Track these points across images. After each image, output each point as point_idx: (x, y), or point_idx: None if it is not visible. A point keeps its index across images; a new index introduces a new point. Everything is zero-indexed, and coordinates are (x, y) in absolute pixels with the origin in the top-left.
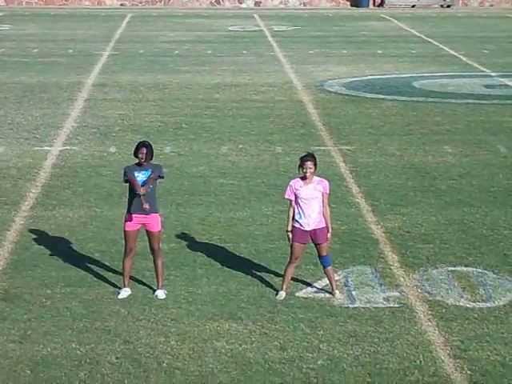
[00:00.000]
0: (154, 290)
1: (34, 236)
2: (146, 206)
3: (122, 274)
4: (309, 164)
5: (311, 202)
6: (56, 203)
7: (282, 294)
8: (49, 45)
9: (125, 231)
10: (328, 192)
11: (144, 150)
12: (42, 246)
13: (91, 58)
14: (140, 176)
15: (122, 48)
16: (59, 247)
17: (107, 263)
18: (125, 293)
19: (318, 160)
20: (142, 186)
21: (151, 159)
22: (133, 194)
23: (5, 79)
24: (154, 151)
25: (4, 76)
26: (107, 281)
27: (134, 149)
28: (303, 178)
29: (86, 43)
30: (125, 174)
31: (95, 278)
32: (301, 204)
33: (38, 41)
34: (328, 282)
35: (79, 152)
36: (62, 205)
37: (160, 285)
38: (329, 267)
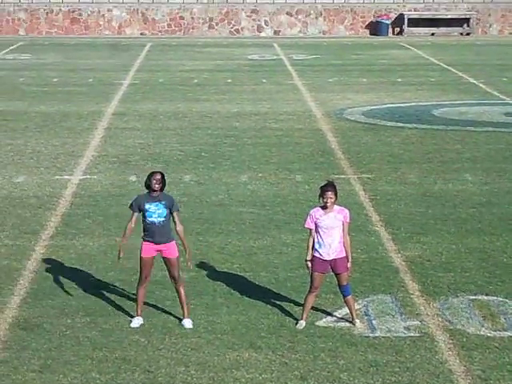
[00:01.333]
0: (180, 319)
1: (54, 265)
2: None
3: (135, 302)
4: (329, 194)
5: (331, 231)
6: (76, 232)
7: (302, 324)
8: (69, 74)
9: (140, 258)
10: (348, 221)
11: (158, 177)
12: (61, 275)
13: (111, 87)
14: (152, 208)
15: (142, 77)
16: (79, 276)
17: (127, 292)
18: (137, 321)
19: (337, 188)
20: (155, 221)
21: (163, 189)
22: (147, 225)
23: (25, 108)
24: (174, 180)
25: (24, 105)
26: (127, 310)
27: (146, 178)
28: (323, 208)
29: (106, 72)
30: (131, 205)
31: (115, 308)
32: (321, 233)
33: (57, 70)
34: (348, 311)
35: (99, 181)
36: (81, 234)
37: (186, 314)
38: (349, 296)
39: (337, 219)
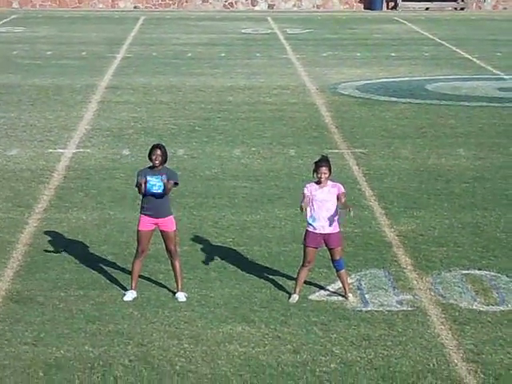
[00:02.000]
0: (174, 293)
1: (48, 238)
2: None
3: (130, 276)
4: (323, 169)
5: (325, 204)
6: (69, 206)
7: (295, 297)
8: (62, 47)
9: (138, 231)
10: (343, 191)
11: (158, 152)
12: (55, 249)
13: (104, 61)
14: (153, 180)
15: (136, 50)
16: (72, 249)
17: (120, 266)
18: (131, 295)
19: (331, 163)
20: (155, 191)
21: (165, 163)
22: (145, 197)
23: (18, 81)
24: (168, 154)
25: (17, 78)
26: (120, 283)
27: (148, 151)
28: (318, 183)
29: (100, 46)
30: (137, 179)
31: (108, 281)
32: (315, 207)
33: (51, 43)
34: (341, 285)
35: (92, 154)
36: (75, 207)
37: (180, 287)
38: (342, 270)
39: (330, 193)
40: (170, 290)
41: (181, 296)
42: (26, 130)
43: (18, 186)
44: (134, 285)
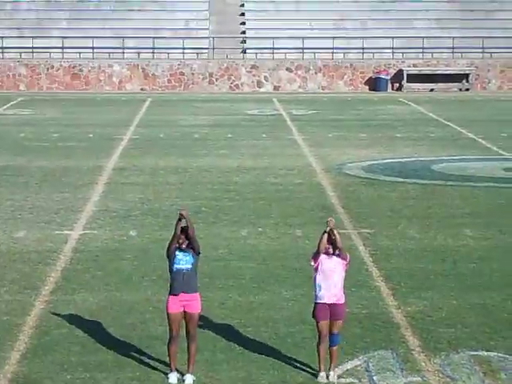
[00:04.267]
0: (182, 374)
1: (54, 320)
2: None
3: (168, 357)
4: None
5: (333, 274)
6: (76, 287)
7: (323, 376)
8: (69, 129)
9: (168, 314)
10: (349, 260)
11: (182, 237)
12: (61, 331)
13: (111, 143)
14: (180, 255)
15: (142, 132)
16: (79, 332)
17: (127, 348)
18: (174, 376)
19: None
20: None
21: (191, 241)
22: (173, 273)
23: (25, 163)
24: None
25: (24, 160)
26: (127, 366)
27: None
28: (326, 253)
29: (107, 128)
30: (167, 252)
31: (115, 363)
32: (322, 276)
33: (58, 125)
34: (330, 361)
35: (99, 236)
36: (82, 289)
37: (191, 370)
38: (335, 347)
39: (338, 263)
40: (164, 373)
41: (189, 379)
42: (33, 211)
43: (24, 268)
44: (173, 366)
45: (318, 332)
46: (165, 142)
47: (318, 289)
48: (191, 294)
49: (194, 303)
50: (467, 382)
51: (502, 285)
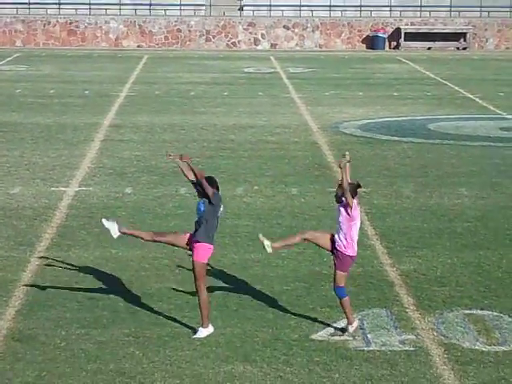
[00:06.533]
0: (176, 332)
1: (49, 277)
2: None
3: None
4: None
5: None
6: (71, 244)
7: (354, 325)
8: (65, 86)
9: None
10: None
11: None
12: (56, 287)
13: (108, 99)
14: (197, 204)
15: (139, 89)
16: (74, 288)
17: (122, 304)
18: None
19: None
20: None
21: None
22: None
23: (21, 120)
24: (170, 192)
25: (20, 117)
26: (122, 322)
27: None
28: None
29: (103, 84)
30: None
31: (110, 320)
32: (359, 225)
33: (54, 82)
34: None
35: (95, 193)
36: (77, 245)
37: (201, 322)
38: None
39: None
40: (171, 329)
41: (199, 331)
42: (29, 168)
43: (20, 224)
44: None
45: (344, 285)
46: (161, 99)
47: (354, 241)
48: (194, 242)
49: (194, 251)
50: (461, 340)
51: (497, 244)
